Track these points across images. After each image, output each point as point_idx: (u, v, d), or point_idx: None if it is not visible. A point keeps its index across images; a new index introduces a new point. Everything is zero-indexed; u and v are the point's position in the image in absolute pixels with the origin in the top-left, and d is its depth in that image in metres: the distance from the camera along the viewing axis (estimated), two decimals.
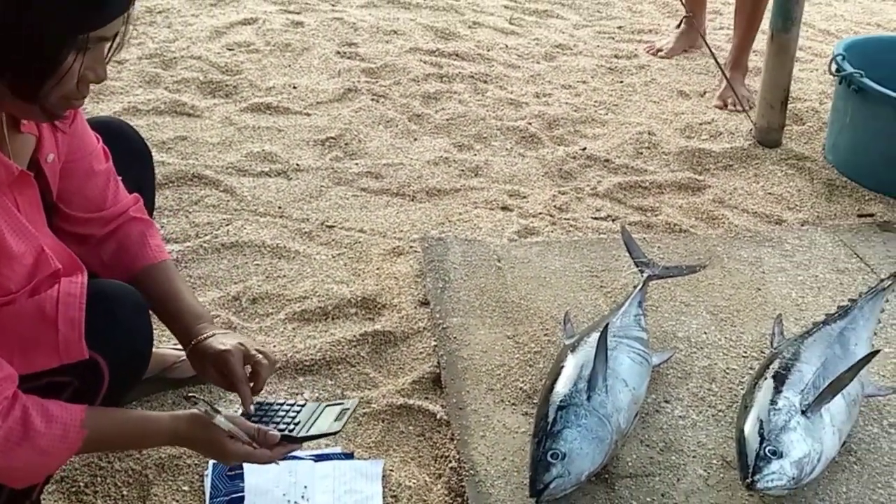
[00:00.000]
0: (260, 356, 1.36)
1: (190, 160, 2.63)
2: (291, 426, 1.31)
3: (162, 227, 2.31)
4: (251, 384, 1.36)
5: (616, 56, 3.65)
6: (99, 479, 1.53)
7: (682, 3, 3.16)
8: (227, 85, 3.12)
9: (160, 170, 2.50)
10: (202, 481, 1.56)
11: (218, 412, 1.23)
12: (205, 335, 1.37)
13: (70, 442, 1.15)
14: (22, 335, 1.14)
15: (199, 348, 1.36)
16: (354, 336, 1.93)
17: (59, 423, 1.14)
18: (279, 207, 2.44)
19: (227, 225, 2.33)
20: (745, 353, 1.92)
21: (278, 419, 1.33)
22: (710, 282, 2.16)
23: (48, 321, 1.14)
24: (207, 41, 3.46)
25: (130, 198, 1.47)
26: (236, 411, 1.37)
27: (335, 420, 1.33)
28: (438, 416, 1.73)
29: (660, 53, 3.56)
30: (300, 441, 1.32)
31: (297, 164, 2.66)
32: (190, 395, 1.27)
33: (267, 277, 2.14)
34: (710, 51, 2.99)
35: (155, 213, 2.33)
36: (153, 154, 2.58)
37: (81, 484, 1.52)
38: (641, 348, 1.76)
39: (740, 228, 2.47)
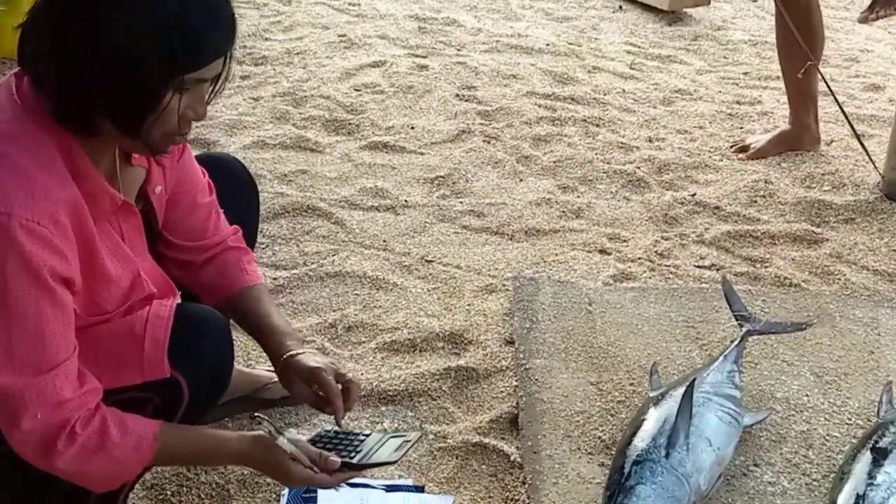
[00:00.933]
0: (350, 374, 1.44)
1: (307, 192, 2.77)
2: (353, 454, 1.36)
3: (273, 254, 2.45)
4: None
5: (738, 102, 3.53)
6: (185, 489, 1.64)
7: (800, 42, 2.78)
8: (350, 123, 3.27)
9: (279, 200, 2.67)
10: (279, 500, 1.63)
11: (281, 434, 1.30)
12: (296, 351, 1.44)
13: (142, 454, 1.23)
14: (113, 352, 1.25)
15: (290, 363, 1.43)
16: (438, 370, 1.97)
17: (134, 436, 1.22)
18: (384, 241, 2.53)
19: (334, 255, 2.44)
20: (850, 419, 1.79)
21: (342, 447, 1.38)
22: (817, 341, 2.04)
23: (136, 340, 1.25)
24: (337, 81, 3.65)
25: (230, 229, 1.58)
26: (325, 432, 1.43)
27: (395, 450, 1.37)
28: (512, 458, 1.72)
29: (743, 156, 3.05)
30: (359, 469, 1.37)
31: (406, 201, 2.75)
32: (255, 415, 1.34)
33: (364, 307, 2.22)
34: (835, 98, 2.85)
35: (269, 241, 2.50)
36: (274, 185, 2.79)
37: (169, 492, 1.62)
38: (732, 407, 1.68)
39: (857, 286, 2.32)
